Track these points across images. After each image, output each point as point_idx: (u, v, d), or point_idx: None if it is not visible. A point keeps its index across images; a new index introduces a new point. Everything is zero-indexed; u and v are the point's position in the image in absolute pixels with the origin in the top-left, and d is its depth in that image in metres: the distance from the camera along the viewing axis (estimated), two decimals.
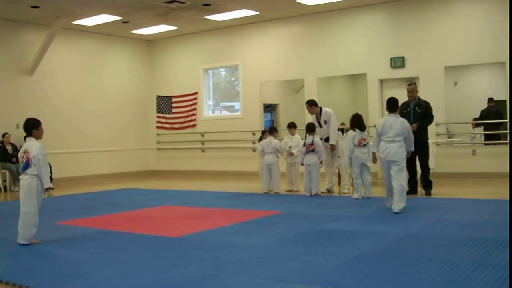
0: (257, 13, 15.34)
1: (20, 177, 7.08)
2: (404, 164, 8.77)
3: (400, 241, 6.23)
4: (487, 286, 4.33)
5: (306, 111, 14.13)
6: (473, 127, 14.10)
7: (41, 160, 6.87)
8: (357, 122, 10.41)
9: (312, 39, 15.82)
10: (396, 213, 8.33)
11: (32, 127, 7.00)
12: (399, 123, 8.83)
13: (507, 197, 9.80)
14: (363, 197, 10.29)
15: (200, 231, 7.43)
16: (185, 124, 18.48)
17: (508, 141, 13.18)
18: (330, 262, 5.31)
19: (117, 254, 6.17)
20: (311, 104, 11.50)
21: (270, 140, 11.92)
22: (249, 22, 16.58)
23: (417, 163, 10.75)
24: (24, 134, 7.05)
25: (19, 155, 7.17)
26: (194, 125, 18.33)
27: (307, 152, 11.01)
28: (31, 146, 6.89)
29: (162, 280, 4.93)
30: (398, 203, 8.40)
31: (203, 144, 18.10)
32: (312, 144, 10.96)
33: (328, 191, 11.41)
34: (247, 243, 6.47)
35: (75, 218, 9.10)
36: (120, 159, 18.20)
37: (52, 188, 14.33)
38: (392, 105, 9.01)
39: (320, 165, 11.04)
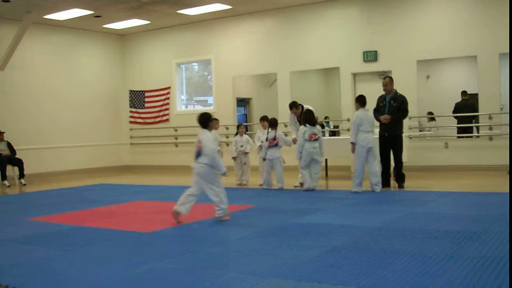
0: (229, 7, 15.31)
1: (193, 164, 7.72)
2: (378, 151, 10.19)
3: (373, 233, 6.25)
4: (459, 277, 4.37)
5: (280, 104, 14.18)
6: (428, 121, 14.23)
7: (214, 150, 7.59)
8: (308, 118, 10.78)
9: (285, 33, 15.84)
10: (354, 192, 9.92)
11: (208, 120, 7.81)
12: (369, 116, 10.26)
13: (478, 189, 9.94)
14: (312, 189, 10.73)
15: (174, 226, 7.42)
16: (158, 119, 18.43)
17: (507, 135, 13.28)
18: (304, 255, 5.32)
19: (90, 250, 6.12)
20: (292, 106, 11.54)
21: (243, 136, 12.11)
22: (221, 16, 16.55)
23: (391, 156, 10.84)
24: None
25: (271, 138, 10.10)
26: (167, 120, 18.28)
27: (270, 146, 11.22)
28: (203, 137, 7.62)
29: (136, 275, 4.90)
30: (378, 184, 9.96)
31: (176, 138, 18.06)
32: (274, 139, 11.23)
33: (301, 184, 11.43)
34: (221, 237, 6.47)
35: (47, 214, 9.01)
36: (93, 154, 18.10)
37: (24, 184, 14.31)
38: (363, 100, 10.28)
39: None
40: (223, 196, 7.62)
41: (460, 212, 7.58)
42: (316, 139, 10.67)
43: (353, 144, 10.20)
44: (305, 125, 10.75)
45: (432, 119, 14.24)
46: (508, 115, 12.74)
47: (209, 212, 8.31)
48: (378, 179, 10.16)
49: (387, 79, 10.88)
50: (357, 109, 10.39)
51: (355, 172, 10.21)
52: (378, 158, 10.56)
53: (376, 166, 10.26)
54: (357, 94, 10.82)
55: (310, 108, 11.34)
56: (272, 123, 11.41)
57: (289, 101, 11.70)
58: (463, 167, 13.19)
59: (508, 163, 12.24)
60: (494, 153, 12.93)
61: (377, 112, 10.82)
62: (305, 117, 10.84)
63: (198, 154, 7.63)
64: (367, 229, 6.54)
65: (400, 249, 5.41)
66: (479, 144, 13.26)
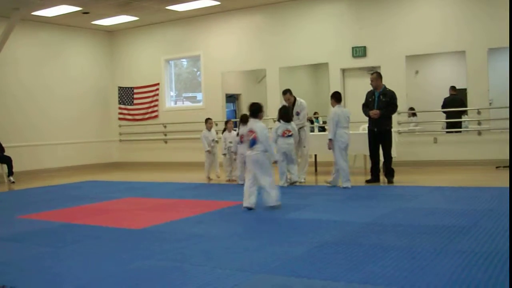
0: (218, 3, 15.29)
1: (247, 153, 8.19)
2: None
3: (362, 229, 6.26)
4: (448, 272, 4.38)
5: (269, 100, 14.17)
6: (409, 116, 14.23)
7: (268, 137, 8.12)
8: (283, 114, 10.81)
9: (274, 29, 15.82)
10: (345, 187, 10.00)
11: (259, 110, 8.34)
12: (346, 112, 10.32)
13: (467, 184, 9.97)
14: (288, 184, 10.87)
15: (163, 222, 7.41)
16: (147, 116, 18.38)
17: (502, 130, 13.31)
18: (293, 251, 5.32)
19: (80, 247, 6.10)
20: (286, 92, 11.55)
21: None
22: (210, 12, 16.52)
23: (380, 151, 10.87)
24: None
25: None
26: (156, 116, 18.24)
27: (241, 142, 11.12)
28: (257, 126, 8.13)
29: (125, 272, 4.89)
30: (348, 181, 9.80)
31: (165, 135, 18.02)
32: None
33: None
34: (210, 233, 6.46)
35: (36, 211, 8.98)
36: (82, 151, 18.03)
37: (13, 182, 14.25)
38: (339, 97, 10.39)
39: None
40: (274, 184, 8.15)
41: (449, 206, 7.60)
42: (289, 135, 10.68)
43: (331, 140, 10.23)
44: (279, 121, 10.81)
45: (414, 114, 14.26)
46: (497, 110, 12.78)
47: (199, 208, 8.32)
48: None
49: (375, 75, 10.92)
50: (333, 105, 10.42)
51: (340, 169, 10.20)
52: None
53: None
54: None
55: (302, 101, 11.41)
56: (244, 120, 11.25)
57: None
58: (452, 162, 13.23)
59: (495, 158, 12.31)
60: (482, 148, 12.97)
61: (366, 107, 10.85)
62: (280, 113, 10.88)
63: (253, 142, 8.07)
64: (357, 224, 6.55)
65: (390, 244, 5.42)
66: (467, 139, 13.30)
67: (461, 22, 13.21)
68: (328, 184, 10.41)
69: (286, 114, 10.81)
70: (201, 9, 15.93)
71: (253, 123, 8.20)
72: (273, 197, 7.94)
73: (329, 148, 10.33)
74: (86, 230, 7.14)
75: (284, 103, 11.47)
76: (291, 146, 10.75)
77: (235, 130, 12.31)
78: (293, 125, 10.91)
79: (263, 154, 8.03)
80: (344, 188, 10.06)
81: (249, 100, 16.93)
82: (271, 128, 11.51)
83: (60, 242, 6.43)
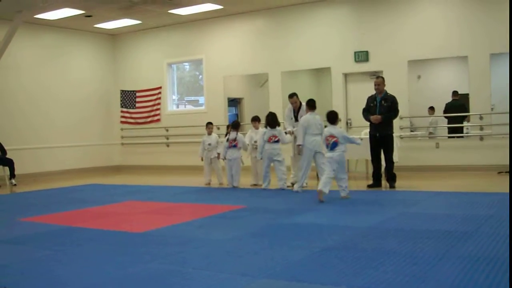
0: (221, 7, 15.29)
1: (329, 154, 9.49)
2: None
3: (364, 234, 6.26)
4: (450, 277, 4.37)
5: (271, 104, 14.18)
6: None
7: (347, 138, 9.62)
8: (270, 121, 11.36)
9: (276, 33, 15.83)
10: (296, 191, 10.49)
11: (336, 117, 9.88)
12: (317, 120, 10.55)
13: (469, 189, 9.96)
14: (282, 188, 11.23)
15: (164, 226, 7.40)
16: (149, 119, 18.38)
17: (502, 135, 13.30)
18: (295, 256, 5.32)
19: (81, 251, 6.10)
20: (293, 95, 11.69)
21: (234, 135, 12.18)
22: (213, 16, 16.52)
23: (382, 156, 10.87)
24: None
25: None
26: (158, 120, 18.24)
27: (230, 147, 11.83)
28: (337, 131, 9.59)
29: (126, 276, 4.89)
30: (326, 185, 9.22)
31: (167, 138, 18.03)
32: (234, 140, 11.80)
33: (293, 184, 11.46)
34: (212, 237, 6.45)
35: (38, 214, 8.98)
36: (84, 154, 18.03)
37: (15, 185, 14.25)
38: (311, 104, 10.71)
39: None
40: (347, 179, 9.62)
41: (451, 212, 7.60)
42: (276, 141, 11.22)
43: (299, 146, 10.61)
44: (266, 127, 11.34)
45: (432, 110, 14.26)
46: (499, 115, 12.77)
47: (200, 212, 8.32)
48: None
49: (380, 79, 10.91)
50: (306, 112, 10.76)
51: (300, 173, 10.67)
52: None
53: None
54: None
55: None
56: (234, 126, 12.02)
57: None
58: (454, 167, 13.22)
59: (497, 163, 12.30)
60: (484, 153, 12.95)
61: (367, 112, 10.85)
62: (267, 119, 11.41)
63: (334, 145, 9.40)
64: (358, 229, 6.55)
65: (391, 249, 5.41)
66: (470, 144, 13.28)
67: (464, 27, 13.21)
68: (298, 189, 10.65)
69: (272, 120, 11.32)
70: (204, 13, 15.94)
71: (332, 129, 9.56)
72: (345, 190, 9.37)
73: (299, 153, 10.81)
74: (87, 234, 7.13)
75: (290, 106, 11.58)
76: (277, 151, 11.24)
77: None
78: (280, 130, 11.39)
79: (343, 155, 9.49)
80: (295, 192, 10.54)
81: (251, 104, 17.12)
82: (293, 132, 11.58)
83: (61, 245, 6.42)
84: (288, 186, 11.34)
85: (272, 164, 11.45)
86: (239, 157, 11.95)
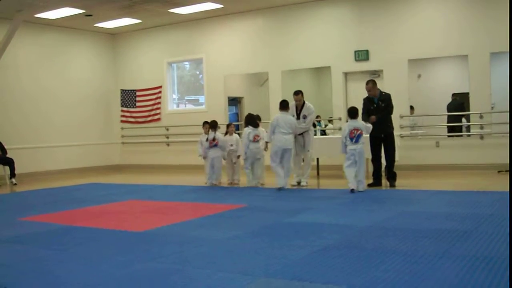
0: (221, 6, 15.29)
1: (353, 147, 10.11)
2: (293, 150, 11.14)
3: (364, 232, 6.26)
4: (450, 276, 4.37)
5: (271, 104, 14.17)
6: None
7: (368, 128, 10.35)
8: (251, 121, 11.76)
9: (277, 32, 15.83)
10: (279, 188, 10.74)
11: (357, 112, 10.38)
12: (288, 119, 10.98)
13: (469, 188, 9.96)
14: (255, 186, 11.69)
15: (165, 225, 7.40)
16: (150, 118, 18.39)
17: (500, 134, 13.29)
18: (295, 254, 5.31)
19: (81, 250, 6.10)
20: (299, 93, 11.63)
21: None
22: (213, 15, 16.52)
23: (382, 154, 10.87)
24: None
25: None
26: (158, 119, 18.25)
27: (210, 147, 12.14)
28: (359, 124, 10.24)
29: (126, 275, 4.89)
30: (285, 180, 10.74)
31: (167, 138, 18.04)
32: (214, 139, 12.11)
33: (298, 183, 11.50)
34: (212, 236, 6.45)
35: (38, 214, 8.98)
36: (84, 153, 18.04)
37: (15, 184, 14.26)
38: (283, 105, 11.17)
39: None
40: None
41: (451, 211, 7.59)
42: (258, 141, 11.59)
43: (266, 143, 11.39)
44: (247, 127, 11.75)
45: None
46: (499, 114, 12.77)
47: (200, 211, 8.32)
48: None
49: (370, 84, 10.92)
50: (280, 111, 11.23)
51: (272, 169, 11.06)
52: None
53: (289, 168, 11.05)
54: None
55: (310, 105, 11.52)
56: (213, 126, 12.27)
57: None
58: (454, 166, 13.22)
59: (497, 162, 12.30)
60: (485, 152, 12.95)
61: (367, 115, 10.79)
62: (247, 119, 11.90)
63: (359, 137, 10.11)
64: (359, 228, 6.55)
65: (392, 248, 5.41)
66: (470, 143, 13.29)
67: (464, 26, 13.21)
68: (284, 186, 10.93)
69: (252, 120, 11.76)
70: (204, 12, 15.94)
71: (354, 123, 10.21)
72: (362, 182, 10.06)
73: (265, 150, 11.54)
74: (88, 233, 7.13)
75: (294, 102, 11.57)
76: (259, 150, 11.63)
77: (236, 133, 12.39)
78: (262, 130, 11.73)
79: (363, 147, 10.23)
80: (279, 189, 10.77)
81: (251, 103, 17.15)
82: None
83: (61, 244, 6.42)
84: (292, 185, 11.40)
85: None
86: (220, 156, 12.24)
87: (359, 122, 10.32)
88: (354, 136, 10.12)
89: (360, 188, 9.97)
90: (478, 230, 6.09)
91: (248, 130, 11.63)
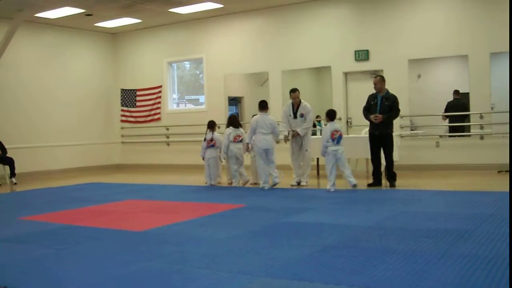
0: (221, 6, 15.28)
1: (333, 148, 10.33)
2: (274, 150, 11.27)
3: (364, 232, 6.26)
4: (451, 276, 4.37)
5: (271, 103, 14.16)
6: (444, 119, 14.10)
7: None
8: (233, 122, 12.07)
9: (277, 32, 15.82)
10: (263, 188, 10.99)
11: (335, 114, 10.79)
12: (268, 119, 11.23)
13: (469, 188, 9.96)
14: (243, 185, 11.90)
15: (165, 225, 7.40)
16: (150, 118, 18.39)
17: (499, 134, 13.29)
18: (295, 254, 5.32)
19: (81, 249, 6.10)
20: (295, 90, 11.71)
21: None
22: (213, 15, 16.52)
23: (381, 155, 10.87)
24: None
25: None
26: (158, 119, 18.25)
27: (208, 147, 12.25)
28: (339, 126, 10.61)
29: (126, 275, 4.89)
30: (266, 183, 11.04)
31: (167, 137, 18.03)
32: (211, 140, 12.22)
33: (298, 183, 11.50)
34: (212, 236, 6.45)
35: (38, 213, 8.97)
36: (84, 153, 18.03)
37: (15, 183, 14.26)
38: (263, 105, 11.40)
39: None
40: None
41: (451, 211, 7.60)
42: (240, 141, 11.84)
43: (247, 144, 11.57)
44: (228, 127, 11.98)
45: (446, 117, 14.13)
46: (499, 114, 12.77)
47: (200, 211, 8.31)
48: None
49: (378, 78, 10.92)
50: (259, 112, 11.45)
51: (258, 169, 11.33)
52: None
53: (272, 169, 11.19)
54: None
55: (307, 103, 11.55)
56: (210, 126, 12.41)
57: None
58: (454, 166, 13.22)
59: (497, 162, 12.30)
60: (485, 152, 12.96)
61: (368, 110, 10.83)
62: (229, 120, 12.21)
63: (340, 138, 10.41)
64: (359, 228, 6.55)
65: (392, 247, 5.41)
66: (470, 143, 13.29)
67: (464, 26, 13.21)
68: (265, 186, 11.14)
69: (234, 121, 12.11)
70: (204, 11, 15.93)
71: (335, 125, 10.52)
72: (352, 181, 10.34)
73: (246, 151, 11.75)
74: (88, 232, 7.13)
75: (290, 101, 11.58)
76: (241, 151, 11.85)
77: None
78: (242, 131, 11.99)
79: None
80: (262, 188, 11.07)
81: (252, 103, 17.11)
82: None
83: (62, 244, 6.42)
84: (292, 185, 11.40)
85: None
86: (217, 156, 12.32)
87: (337, 124, 10.80)
88: (336, 138, 10.37)
89: (354, 183, 10.39)
90: (478, 230, 6.09)
91: (229, 131, 11.88)
